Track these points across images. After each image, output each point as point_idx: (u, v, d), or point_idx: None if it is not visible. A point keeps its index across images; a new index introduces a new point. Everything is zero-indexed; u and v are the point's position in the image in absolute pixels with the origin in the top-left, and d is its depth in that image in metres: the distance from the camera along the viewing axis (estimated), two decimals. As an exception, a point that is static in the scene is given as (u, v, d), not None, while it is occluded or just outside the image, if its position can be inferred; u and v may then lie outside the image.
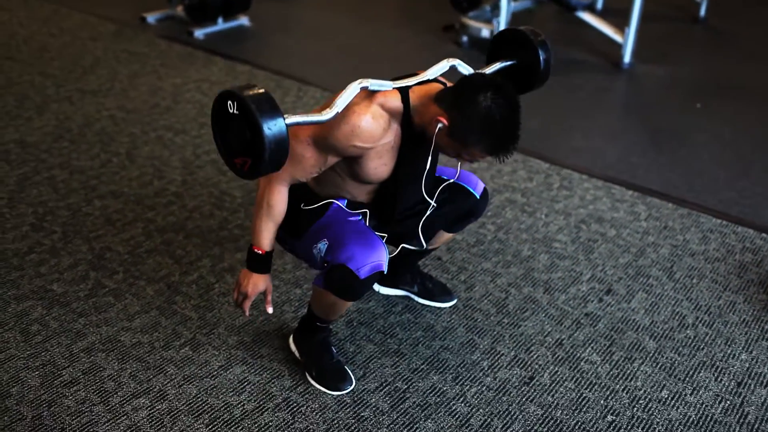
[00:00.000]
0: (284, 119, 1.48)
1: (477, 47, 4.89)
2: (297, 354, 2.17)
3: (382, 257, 1.85)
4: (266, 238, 1.85)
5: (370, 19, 5.71)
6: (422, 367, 2.18)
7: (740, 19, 5.93)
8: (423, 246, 2.10)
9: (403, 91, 1.78)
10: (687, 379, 2.17)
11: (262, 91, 1.49)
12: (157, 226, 2.82)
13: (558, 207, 3.05)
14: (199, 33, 4.99)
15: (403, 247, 2.13)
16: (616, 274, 2.64)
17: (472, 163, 1.84)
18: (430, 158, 1.86)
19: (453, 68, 1.88)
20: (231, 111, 1.50)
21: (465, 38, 4.96)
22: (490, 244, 2.78)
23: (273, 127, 1.46)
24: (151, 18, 5.28)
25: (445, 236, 2.26)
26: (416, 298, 2.45)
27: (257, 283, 1.89)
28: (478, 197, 2.15)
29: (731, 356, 2.27)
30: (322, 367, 2.11)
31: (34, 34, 4.96)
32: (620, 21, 4.77)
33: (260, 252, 1.86)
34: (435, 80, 1.85)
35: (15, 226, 2.80)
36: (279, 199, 1.82)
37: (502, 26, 4.68)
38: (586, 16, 4.89)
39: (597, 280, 2.61)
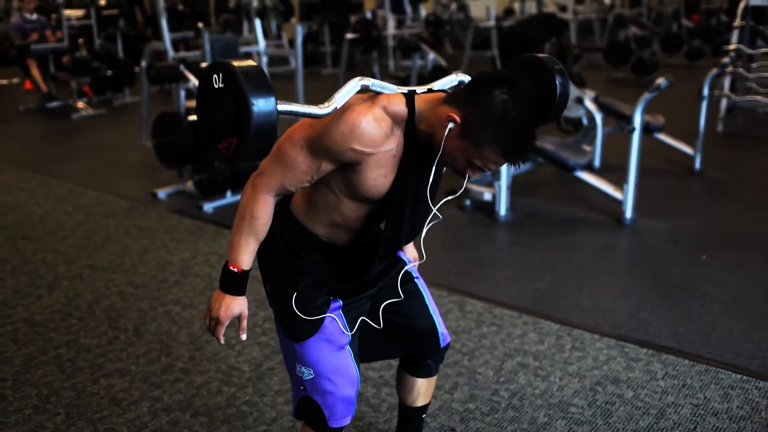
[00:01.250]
0: (274, 95, 1.35)
1: (480, 210, 5.00)
2: None
3: (352, 408, 1.86)
4: (245, 255, 1.68)
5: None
6: None
7: (734, 169, 6.09)
8: (401, 297, 1.94)
9: (408, 96, 1.63)
10: None
11: (253, 64, 1.37)
12: (163, 405, 2.75)
13: (572, 369, 2.98)
14: (208, 207, 5.13)
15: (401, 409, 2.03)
16: (638, 438, 2.54)
17: (482, 171, 1.65)
18: (434, 168, 1.68)
19: (461, 83, 1.77)
20: (216, 86, 1.37)
21: (468, 202, 5.08)
22: (505, 412, 2.69)
23: (261, 98, 1.32)
24: (162, 193, 5.45)
25: (417, 383, 2.14)
26: (431, 474, 2.34)
27: (231, 306, 1.71)
28: (441, 346, 2.07)
29: None
30: None
31: (49, 213, 5.10)
32: (619, 178, 4.89)
33: (236, 270, 1.69)
34: (443, 91, 1.73)
35: (18, 408, 2.75)
36: (264, 211, 1.66)
37: (504, 191, 4.80)
38: (585, 176, 5.02)
39: (619, 446, 2.50)
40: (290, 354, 1.89)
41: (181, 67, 5.43)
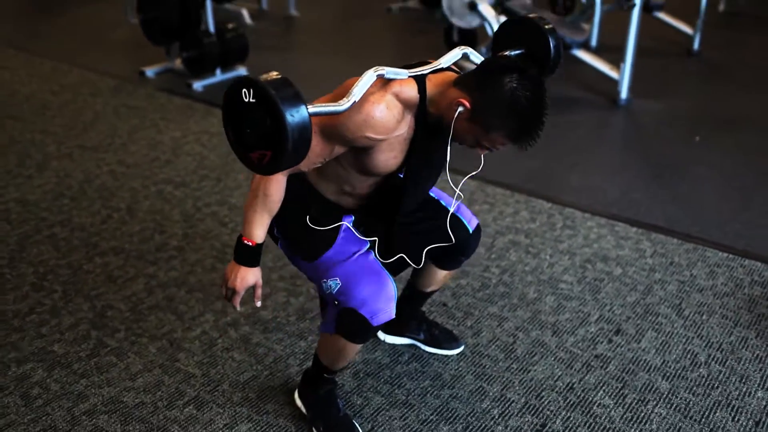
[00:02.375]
0: (306, 106, 1.36)
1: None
2: (303, 409, 2.12)
3: (392, 303, 1.83)
4: (259, 229, 1.75)
5: (365, 64, 5.73)
6: (432, 417, 2.14)
7: (733, 50, 5.98)
8: (419, 264, 2.01)
9: (420, 80, 1.68)
10: (703, 420, 2.12)
11: (281, 76, 1.37)
12: (158, 282, 2.79)
13: (562, 247, 3.02)
14: (197, 85, 5.03)
15: (399, 262, 2.02)
16: (624, 313, 2.60)
17: (491, 151, 1.73)
18: (449, 148, 1.73)
19: (465, 56, 1.80)
20: (246, 100, 1.37)
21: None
22: (496, 288, 2.75)
23: (295, 114, 1.33)
24: (150, 72, 5.33)
25: (439, 274, 2.20)
26: (423, 346, 2.41)
27: (246, 276, 1.78)
28: (471, 231, 2.11)
29: (747, 394, 2.22)
30: (329, 422, 2.06)
31: (35, 92, 5.00)
32: (615, 57, 4.80)
33: (251, 244, 1.75)
34: (449, 69, 1.76)
35: (16, 286, 2.78)
36: (276, 188, 1.71)
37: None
38: (582, 54, 4.92)
39: (605, 320, 2.57)
40: (313, 273, 1.90)
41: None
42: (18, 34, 6.68)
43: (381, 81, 1.65)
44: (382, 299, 1.81)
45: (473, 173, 1.96)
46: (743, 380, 2.28)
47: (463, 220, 2.10)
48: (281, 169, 1.41)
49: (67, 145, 4.11)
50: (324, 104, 1.49)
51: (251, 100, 1.36)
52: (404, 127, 1.68)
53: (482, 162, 1.91)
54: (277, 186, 1.71)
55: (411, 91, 1.66)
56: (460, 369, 2.33)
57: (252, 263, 1.79)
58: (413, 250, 2.00)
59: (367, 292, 1.80)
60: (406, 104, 1.67)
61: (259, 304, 1.86)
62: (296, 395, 2.16)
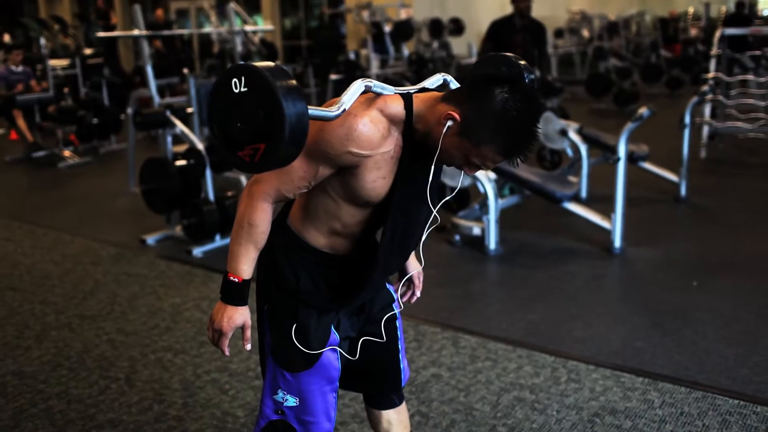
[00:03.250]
0: (303, 96, 1.31)
1: (470, 245, 5.00)
2: None
3: None
4: (245, 264, 1.65)
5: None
6: None
7: (719, 195, 6.15)
8: (383, 338, 1.93)
9: (406, 97, 1.62)
10: None
11: (274, 63, 1.31)
12: (156, 455, 2.71)
13: (569, 401, 2.96)
14: (197, 251, 5.10)
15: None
16: (638, 469, 2.51)
17: (480, 169, 1.65)
18: (433, 167, 1.67)
19: (445, 82, 1.77)
20: (237, 90, 1.30)
21: (458, 237, 5.08)
22: (504, 447, 2.67)
23: (293, 101, 1.25)
24: (151, 239, 5.42)
25: (388, 416, 2.08)
26: None
27: (233, 316, 1.67)
28: (402, 384, 2.05)
29: None
30: None
31: (37, 263, 5.06)
32: (606, 207, 4.92)
33: (237, 280, 1.66)
34: (438, 90, 1.73)
35: (9, 465, 2.69)
36: (262, 219, 1.63)
37: (492, 224, 4.82)
38: (573, 207, 5.05)
39: (620, 478, 2.47)
40: (275, 378, 1.82)
41: (168, 113, 5.45)
42: (23, 207, 6.86)
43: (366, 96, 1.58)
44: None
45: (450, 196, 1.94)
46: None
47: (401, 363, 2.04)
48: (276, 163, 1.34)
49: (67, 314, 4.11)
50: (316, 108, 1.42)
51: (242, 89, 1.29)
52: (390, 144, 1.60)
53: (459, 182, 1.84)
54: (262, 215, 1.63)
55: (397, 106, 1.60)
56: None
57: (239, 302, 1.69)
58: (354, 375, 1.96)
59: (316, 428, 1.78)
60: (391, 120, 1.60)
61: (248, 347, 1.74)
62: None
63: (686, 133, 6.06)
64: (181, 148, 5.47)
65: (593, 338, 3.58)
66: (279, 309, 1.80)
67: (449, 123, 1.54)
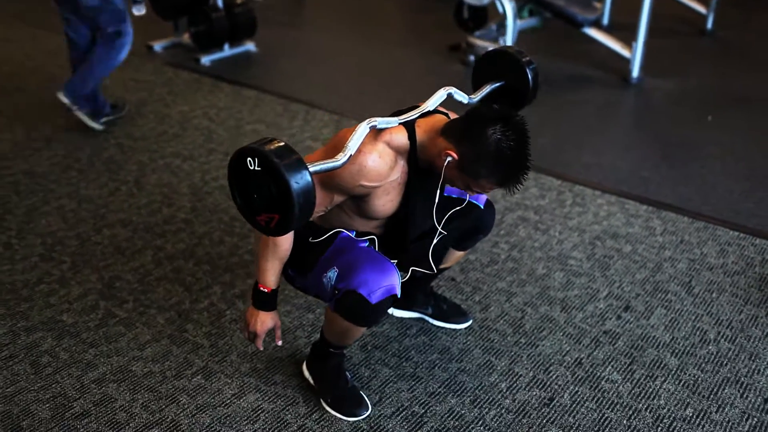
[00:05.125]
0: (309, 171, 1.42)
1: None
2: (311, 380, 2.13)
3: (394, 281, 1.80)
4: (272, 276, 1.83)
5: (375, 41, 5.72)
6: (439, 390, 2.13)
7: (747, 30, 5.92)
8: (433, 271, 2.04)
9: (409, 127, 1.77)
10: (711, 396, 2.12)
11: (282, 144, 1.44)
12: (166, 254, 2.79)
13: (572, 224, 3.00)
14: (205, 60, 5.00)
15: (413, 271, 2.07)
16: (633, 290, 2.59)
17: (481, 193, 1.86)
18: (438, 192, 1.85)
19: (450, 96, 1.89)
20: (251, 168, 1.44)
21: (471, 57, 4.95)
22: (504, 264, 2.73)
23: (300, 180, 1.40)
24: (158, 46, 5.30)
25: (455, 254, 2.22)
26: (431, 320, 2.41)
27: (265, 321, 1.87)
28: (482, 207, 2.11)
29: (756, 371, 2.21)
30: (337, 393, 2.06)
31: (41, 65, 4.98)
32: (627, 35, 4.75)
33: (266, 290, 1.83)
34: (437, 111, 1.85)
35: (24, 256, 2.78)
36: (285, 238, 1.78)
37: (509, 44, 4.67)
38: (593, 32, 4.87)
39: (614, 296, 2.56)
40: (317, 278, 1.88)
41: None
42: (25, 6, 6.64)
43: (373, 131, 1.72)
44: (380, 278, 1.78)
45: (459, 207, 1.99)
46: (752, 358, 2.27)
47: (473, 200, 2.09)
48: (289, 230, 1.49)
49: (75, 118, 4.08)
50: (323, 162, 1.57)
51: (256, 168, 1.43)
52: (397, 173, 1.77)
53: (467, 197, 2.03)
54: (285, 236, 1.77)
55: (401, 138, 1.75)
56: (468, 343, 2.33)
57: (269, 308, 1.87)
58: (438, 254, 2.07)
59: (365, 274, 1.78)
60: (397, 151, 1.76)
61: (280, 343, 1.96)
62: (304, 367, 2.16)
63: (721, -41, 5.73)
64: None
65: (601, 165, 3.58)
66: (298, 246, 1.86)
67: (448, 159, 1.69)
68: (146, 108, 4.23)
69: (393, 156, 1.75)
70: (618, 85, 4.66)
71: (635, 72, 4.67)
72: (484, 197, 2.13)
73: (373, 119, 1.70)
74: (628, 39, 4.69)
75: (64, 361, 2.24)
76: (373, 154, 1.70)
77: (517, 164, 1.68)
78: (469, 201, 2.08)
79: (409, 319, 2.43)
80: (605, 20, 5.72)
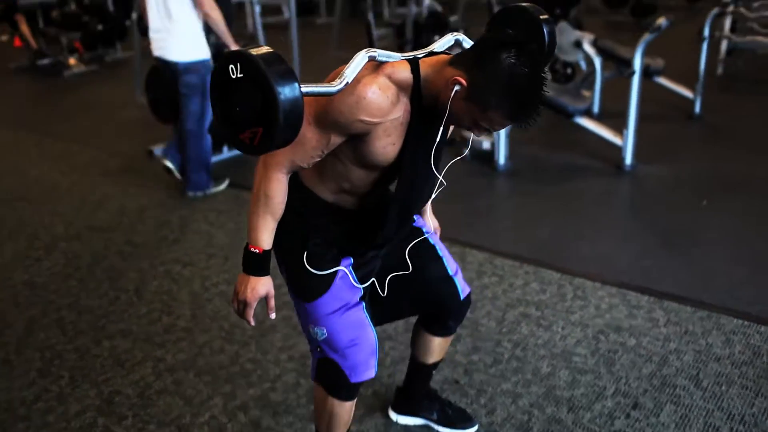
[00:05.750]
0: (296, 78, 1.32)
1: (479, 159, 4.95)
2: None
3: (373, 359, 1.84)
4: (264, 234, 1.69)
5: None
6: (447, 502, 2.07)
7: (734, 113, 6.02)
8: (409, 269, 1.95)
9: (413, 62, 1.62)
10: (728, 499, 2.05)
11: (270, 49, 1.33)
12: (166, 365, 2.76)
13: (574, 318, 2.98)
14: (205, 162, 5.07)
15: (412, 364, 2.03)
16: (641, 386, 2.55)
17: (488, 132, 1.68)
18: (441, 129, 1.67)
19: (458, 42, 1.77)
20: (234, 76, 1.32)
21: (466, 151, 5.01)
22: (508, 363, 2.70)
23: (286, 86, 1.29)
24: (158, 150, 5.38)
25: (434, 342, 2.16)
26: (436, 426, 2.36)
27: (256, 287, 1.72)
28: (462, 299, 2.07)
29: (772, 470, 2.15)
30: None
31: (45, 173, 5.06)
32: (618, 123, 4.83)
33: (258, 251, 1.70)
34: (444, 53, 1.72)
35: (22, 372, 2.75)
36: (278, 189, 1.67)
37: (502, 139, 4.75)
38: (585, 122, 4.97)
39: (622, 393, 2.51)
40: (303, 316, 1.87)
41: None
42: (29, 117, 6.82)
43: (373, 64, 1.59)
44: (363, 354, 1.82)
45: (459, 157, 1.89)
46: (768, 454, 2.21)
47: (458, 286, 2.06)
48: (275, 146, 1.36)
49: (76, 225, 4.13)
50: (316, 85, 1.45)
51: (239, 75, 1.32)
52: (399, 111, 1.61)
53: (467, 150, 1.93)
54: (278, 185, 1.67)
55: (404, 72, 1.60)
56: (475, 450, 2.27)
57: (262, 272, 1.73)
58: (400, 304, 2.02)
59: (350, 350, 1.80)
60: (399, 86, 1.60)
61: (273, 315, 1.79)
62: None
63: (704, 47, 5.89)
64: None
65: (600, 256, 3.58)
66: (289, 243, 1.80)
67: (456, 87, 1.54)
68: (146, 213, 4.27)
69: (395, 91, 1.58)
70: (612, 173, 4.71)
71: (628, 159, 4.73)
72: (468, 290, 2.09)
73: (372, 49, 1.56)
74: (619, 126, 4.77)
75: (62, 485, 2.18)
76: (373, 86, 1.54)
77: (531, 94, 1.53)
78: (453, 282, 2.05)
79: (414, 426, 2.38)
80: (596, 109, 5.83)
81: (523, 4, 1.80)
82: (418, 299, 2.05)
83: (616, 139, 4.82)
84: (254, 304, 1.73)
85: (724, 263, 3.45)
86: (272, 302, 1.77)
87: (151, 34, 4.17)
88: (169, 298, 3.26)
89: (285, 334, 2.89)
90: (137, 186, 4.74)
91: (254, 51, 1.31)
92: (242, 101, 1.33)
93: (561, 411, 2.43)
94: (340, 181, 1.75)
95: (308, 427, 2.39)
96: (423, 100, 1.62)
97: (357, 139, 1.62)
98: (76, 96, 7.59)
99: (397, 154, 1.66)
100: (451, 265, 2.05)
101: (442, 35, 1.83)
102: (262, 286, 1.73)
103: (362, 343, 1.83)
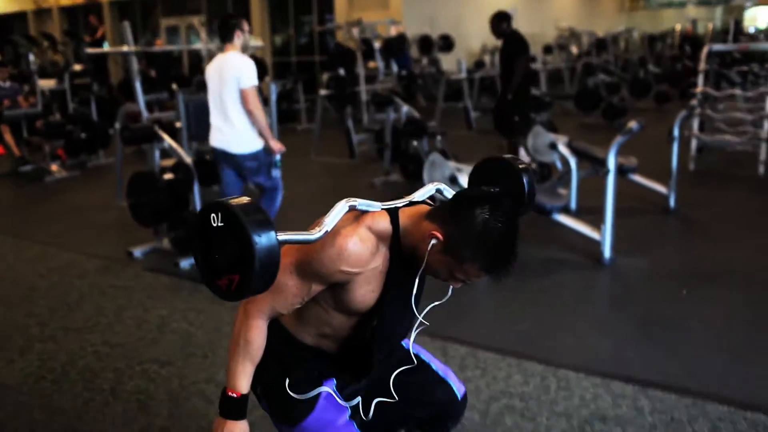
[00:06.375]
0: (273, 228, 1.37)
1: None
2: None
3: None
4: (243, 379, 1.71)
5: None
6: None
7: (708, 207, 6.16)
8: (395, 398, 1.92)
9: (392, 212, 1.68)
10: None
11: (249, 200, 1.39)
12: (140, 466, 2.66)
13: (558, 409, 2.93)
14: (184, 263, 5.06)
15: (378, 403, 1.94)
16: (629, 476, 2.49)
17: (466, 283, 1.71)
18: (417, 280, 1.72)
19: (439, 192, 1.82)
20: (214, 224, 1.37)
21: (449, 294, 5.05)
22: (493, 455, 2.63)
23: (263, 235, 1.33)
24: (138, 252, 5.38)
25: None
26: None
27: (233, 431, 1.73)
28: (459, 399, 2.05)
29: None
30: None
31: (22, 276, 5.01)
32: (595, 219, 4.92)
33: (236, 395, 1.71)
34: (423, 203, 1.78)
35: (-11, 477, 2.64)
36: (257, 335, 1.69)
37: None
38: (563, 219, 5.04)
39: (610, 485, 2.44)
40: None
41: (156, 127, 5.43)
42: (8, 221, 6.80)
43: (353, 214, 1.64)
44: None
45: (438, 302, 1.90)
46: None
47: (452, 386, 2.05)
48: (251, 292, 1.39)
49: (52, 326, 4.06)
50: (295, 233, 1.48)
51: (219, 224, 1.37)
52: (379, 260, 1.66)
53: (450, 291, 1.88)
54: (257, 332, 1.69)
55: (383, 222, 1.66)
56: None
57: (238, 416, 1.73)
58: (397, 413, 1.95)
59: None
60: (379, 236, 1.65)
61: None
62: None
63: (675, 146, 6.08)
64: (169, 162, 5.44)
65: (583, 347, 3.56)
66: (270, 374, 1.81)
67: (433, 241, 1.60)
68: (125, 314, 4.22)
69: (374, 241, 1.64)
70: (592, 267, 4.75)
71: (607, 253, 4.79)
72: (463, 388, 2.08)
73: (352, 199, 1.62)
74: (597, 222, 4.85)
75: None
76: (354, 237, 1.60)
77: (505, 247, 1.59)
78: (447, 383, 2.02)
79: None
80: (573, 205, 5.94)
81: (502, 156, 1.90)
82: (415, 406, 2.01)
83: (594, 234, 4.89)
84: None
85: (707, 351, 3.44)
86: None
87: (213, 131, 4.77)
88: (146, 398, 3.18)
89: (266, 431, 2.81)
90: (115, 287, 4.69)
91: (234, 201, 1.37)
92: (221, 248, 1.38)
93: (549, 504, 2.36)
94: (321, 326, 1.79)
95: None
96: (402, 249, 1.68)
97: (337, 287, 1.67)
98: (56, 200, 7.62)
99: (376, 300, 1.71)
100: (440, 368, 2.05)
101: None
102: (239, 430, 1.75)
103: None
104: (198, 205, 5.15)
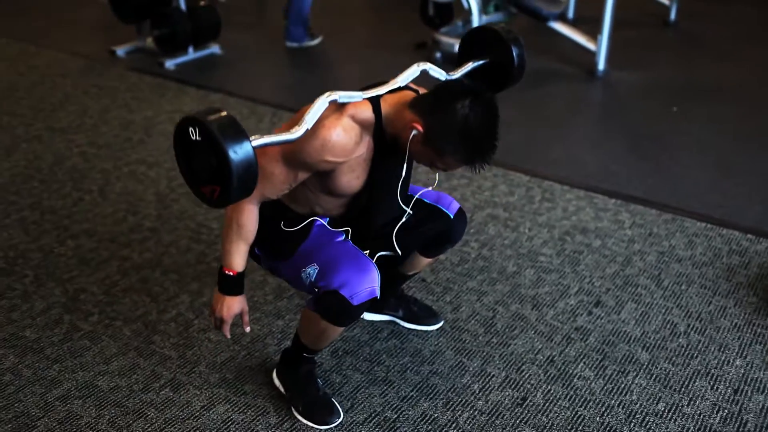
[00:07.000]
0: (250, 142, 1.39)
1: (451, 63, 4.86)
2: (281, 389, 2.09)
3: (375, 282, 1.79)
4: (238, 258, 1.78)
5: (340, 41, 5.68)
6: (412, 394, 2.11)
7: (709, 21, 5.97)
8: (398, 253, 2.00)
9: (374, 101, 1.71)
10: (683, 389, 2.12)
11: (224, 114, 1.41)
12: (132, 264, 2.74)
13: (541, 220, 3.00)
14: (170, 63, 4.93)
15: (380, 256, 2.02)
16: (603, 285, 2.59)
17: (446, 171, 1.80)
18: (405, 166, 1.80)
19: (425, 73, 1.80)
20: (193, 138, 1.40)
21: (438, 54, 4.94)
22: (475, 262, 2.72)
23: (239, 150, 1.36)
24: (121, 51, 5.22)
25: (423, 261, 2.19)
26: (402, 323, 2.39)
27: (231, 305, 1.82)
28: (452, 216, 2.09)
29: (726, 363, 2.22)
30: (308, 401, 2.03)
31: (1, 74, 4.88)
32: (592, 29, 4.77)
33: (232, 273, 1.79)
34: (407, 87, 1.79)
35: (-15, 271, 2.72)
36: (249, 219, 1.75)
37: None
38: (559, 26, 4.89)
39: (585, 292, 2.55)
40: (293, 270, 1.87)
41: None
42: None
43: (335, 105, 1.67)
44: (362, 279, 1.77)
45: (430, 187, 1.97)
46: (722, 349, 2.28)
47: (443, 209, 2.08)
48: (231, 202, 1.45)
49: (36, 126, 4.01)
50: (274, 135, 1.52)
51: (197, 138, 1.40)
52: (363, 148, 1.72)
53: (437, 178, 2.02)
54: (249, 216, 1.75)
55: (366, 112, 1.70)
56: (439, 345, 2.31)
57: (236, 292, 1.82)
58: (392, 242, 2.00)
59: (347, 274, 1.77)
60: (362, 125, 1.70)
61: (248, 329, 1.89)
62: (274, 375, 2.13)
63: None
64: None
65: (569, 160, 3.58)
66: (269, 227, 1.85)
67: (414, 132, 1.64)
68: (110, 114, 4.16)
69: (358, 130, 1.68)
70: (584, 79, 4.67)
71: (601, 65, 4.69)
72: (456, 205, 2.11)
73: (333, 93, 1.64)
74: (593, 32, 4.71)
75: (27, 379, 2.18)
76: (338, 128, 1.64)
77: (484, 141, 1.63)
78: (439, 209, 2.07)
79: (380, 322, 2.40)
80: (570, 14, 5.74)
81: (492, 26, 1.93)
82: (415, 239, 2.07)
83: (589, 45, 4.76)
84: (230, 321, 1.83)
85: (691, 169, 3.48)
86: (246, 317, 1.87)
87: None
88: (135, 199, 3.21)
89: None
90: (99, 87, 4.60)
91: (211, 116, 1.38)
92: (201, 161, 1.42)
93: (525, 308, 2.47)
94: (312, 206, 1.87)
95: (274, 323, 2.41)
96: (385, 137, 1.72)
97: (323, 175, 1.73)
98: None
99: (362, 185, 1.78)
100: (430, 197, 2.08)
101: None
102: (237, 304, 1.83)
103: (358, 266, 1.79)
104: (182, 1, 4.91)
